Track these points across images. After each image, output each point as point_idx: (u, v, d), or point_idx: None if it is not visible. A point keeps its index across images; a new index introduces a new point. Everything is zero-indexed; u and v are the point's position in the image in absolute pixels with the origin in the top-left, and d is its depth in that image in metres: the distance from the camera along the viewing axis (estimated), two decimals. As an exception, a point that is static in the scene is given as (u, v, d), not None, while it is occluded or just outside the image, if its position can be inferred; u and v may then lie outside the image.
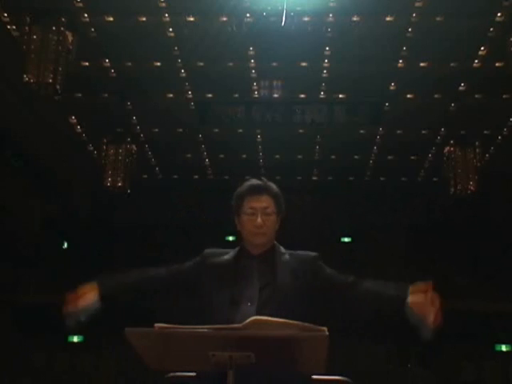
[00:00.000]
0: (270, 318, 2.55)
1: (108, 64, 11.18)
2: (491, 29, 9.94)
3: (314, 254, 3.13)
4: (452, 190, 13.04)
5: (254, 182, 3.18)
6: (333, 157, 15.04)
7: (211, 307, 2.98)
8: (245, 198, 3.11)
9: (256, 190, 3.12)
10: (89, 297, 3.04)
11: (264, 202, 3.09)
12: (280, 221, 3.17)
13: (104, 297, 3.07)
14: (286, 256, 3.12)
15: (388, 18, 9.85)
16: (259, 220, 3.06)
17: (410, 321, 2.85)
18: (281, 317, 2.55)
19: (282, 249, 3.17)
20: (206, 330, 2.47)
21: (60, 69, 9.33)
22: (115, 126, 13.16)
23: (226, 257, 3.13)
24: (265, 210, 3.08)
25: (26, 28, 9.38)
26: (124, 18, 9.91)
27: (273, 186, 3.18)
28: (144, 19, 9.91)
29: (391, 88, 11.84)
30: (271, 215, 3.10)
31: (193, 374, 2.90)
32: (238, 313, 2.87)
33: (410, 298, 2.87)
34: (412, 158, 14.99)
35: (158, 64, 11.19)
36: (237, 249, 3.18)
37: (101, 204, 16.46)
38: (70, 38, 9.54)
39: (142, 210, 16.38)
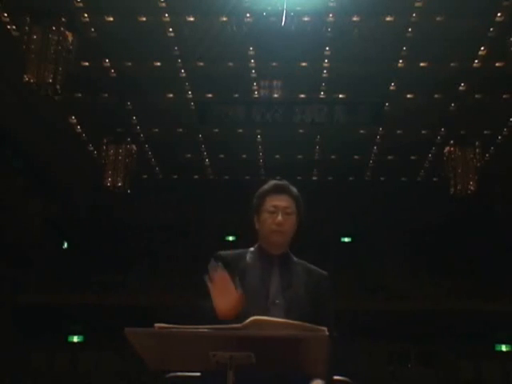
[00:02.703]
0: (270, 318, 2.55)
1: (108, 64, 11.18)
2: (491, 29, 9.95)
3: (325, 273, 3.17)
4: (452, 190, 13.02)
5: (277, 181, 3.25)
6: (333, 157, 15.03)
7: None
8: (267, 196, 3.17)
9: (279, 190, 3.18)
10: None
11: (285, 202, 3.14)
12: (298, 224, 3.19)
13: None
14: (299, 267, 3.15)
15: (388, 18, 9.86)
16: (280, 218, 3.10)
17: None
18: (301, 319, 2.55)
19: (294, 258, 3.20)
20: (206, 330, 2.47)
21: (60, 69, 9.33)
22: (115, 126, 13.14)
23: (247, 258, 3.13)
24: (286, 210, 3.13)
25: (26, 28, 9.38)
26: (124, 18, 9.92)
27: (294, 188, 3.24)
28: (144, 19, 9.92)
29: (391, 88, 11.84)
30: (291, 215, 3.14)
31: (193, 374, 2.90)
32: (266, 313, 2.81)
33: None
34: (412, 157, 14.99)
35: (158, 64, 11.19)
36: (254, 249, 3.18)
37: (101, 204, 16.45)
38: (70, 38, 9.54)
39: (141, 210, 16.35)
